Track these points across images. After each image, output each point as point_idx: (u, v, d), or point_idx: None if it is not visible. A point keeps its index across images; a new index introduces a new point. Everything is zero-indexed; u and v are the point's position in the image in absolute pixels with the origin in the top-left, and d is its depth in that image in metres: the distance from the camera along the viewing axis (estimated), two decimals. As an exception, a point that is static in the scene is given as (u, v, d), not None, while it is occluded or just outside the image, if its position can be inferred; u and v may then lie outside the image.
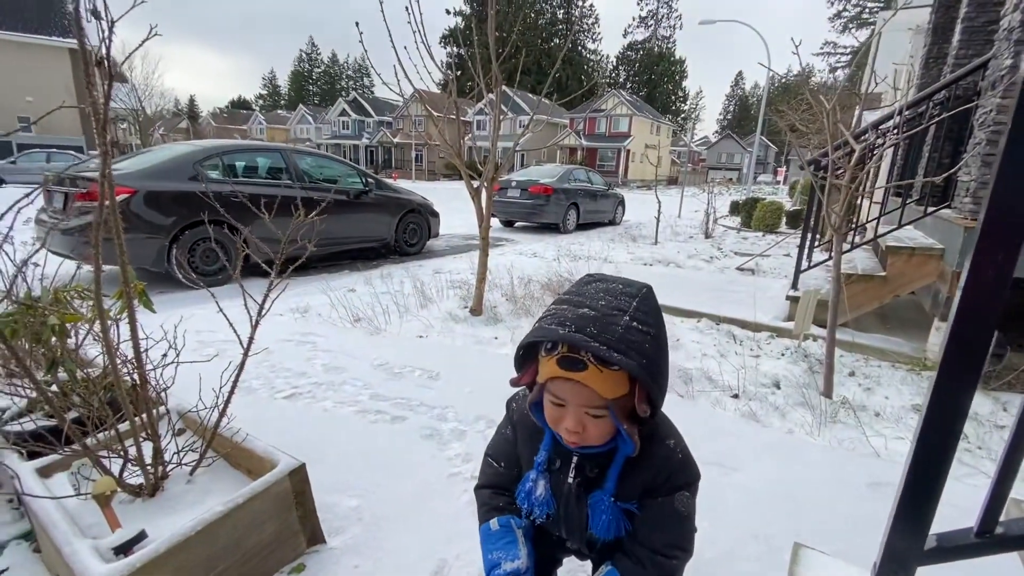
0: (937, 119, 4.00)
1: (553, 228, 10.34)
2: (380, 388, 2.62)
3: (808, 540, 1.61)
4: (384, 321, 3.76)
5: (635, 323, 0.80)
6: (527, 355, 0.89)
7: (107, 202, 1.27)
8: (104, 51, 1.09)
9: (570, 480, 0.94)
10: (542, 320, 0.84)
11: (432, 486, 1.84)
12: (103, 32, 1.10)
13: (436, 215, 7.55)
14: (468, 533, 1.61)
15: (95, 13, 1.04)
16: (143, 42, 1.20)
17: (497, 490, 1.04)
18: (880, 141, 3.24)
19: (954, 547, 0.81)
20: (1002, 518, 0.87)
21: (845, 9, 49.40)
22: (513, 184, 10.19)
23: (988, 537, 0.80)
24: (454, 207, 12.01)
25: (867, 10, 45.08)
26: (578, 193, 10.66)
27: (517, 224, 11.10)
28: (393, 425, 2.26)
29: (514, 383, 0.92)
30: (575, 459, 0.94)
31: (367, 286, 4.79)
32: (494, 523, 0.99)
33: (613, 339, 0.77)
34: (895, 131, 3.14)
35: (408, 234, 7.09)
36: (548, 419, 0.88)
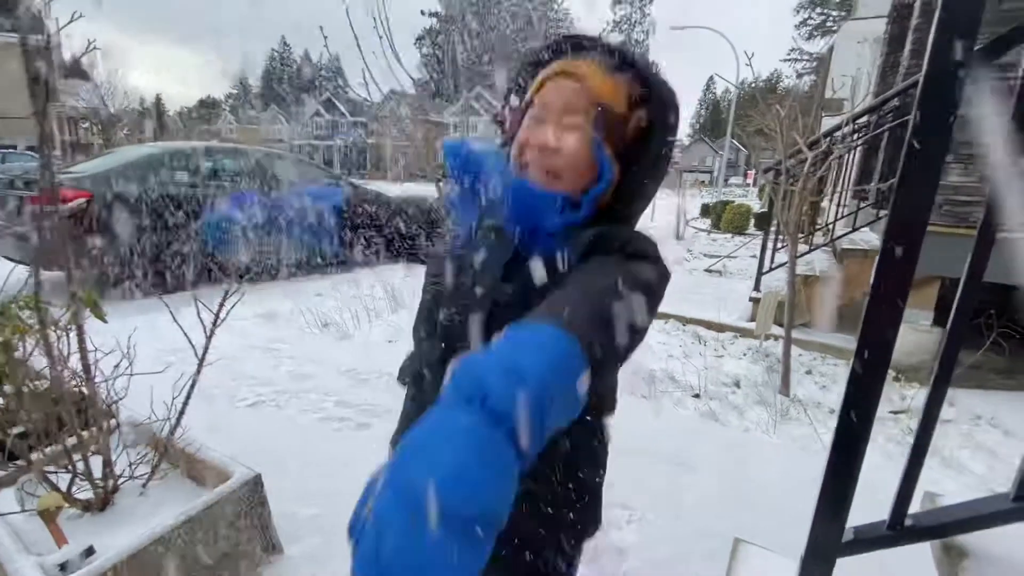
0: (887, 127, 4.18)
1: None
2: (346, 395, 2.61)
3: (758, 535, 1.68)
4: (353, 326, 3.74)
5: None
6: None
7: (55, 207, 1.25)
8: (45, 45, 1.07)
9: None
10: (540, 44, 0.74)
11: (395, 492, 1.85)
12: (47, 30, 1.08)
13: (409, 218, 7.52)
14: (429, 538, 1.63)
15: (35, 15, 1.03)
16: (67, 24, 1.19)
17: None
18: (834, 148, 3.38)
19: (868, 539, 0.87)
20: (917, 511, 0.94)
21: (810, 17, 51.05)
22: (487, 187, 10.21)
23: (899, 529, 0.86)
24: (429, 210, 11.94)
25: (831, 18, 46.67)
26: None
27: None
28: (358, 432, 2.26)
29: (496, 116, 0.78)
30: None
31: (335, 291, 4.74)
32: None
33: (619, 46, 0.69)
34: (844, 140, 3.27)
35: (381, 237, 7.04)
36: (515, 147, 0.70)
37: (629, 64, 0.68)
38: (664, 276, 0.61)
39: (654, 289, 0.58)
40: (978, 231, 0.79)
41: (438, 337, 0.76)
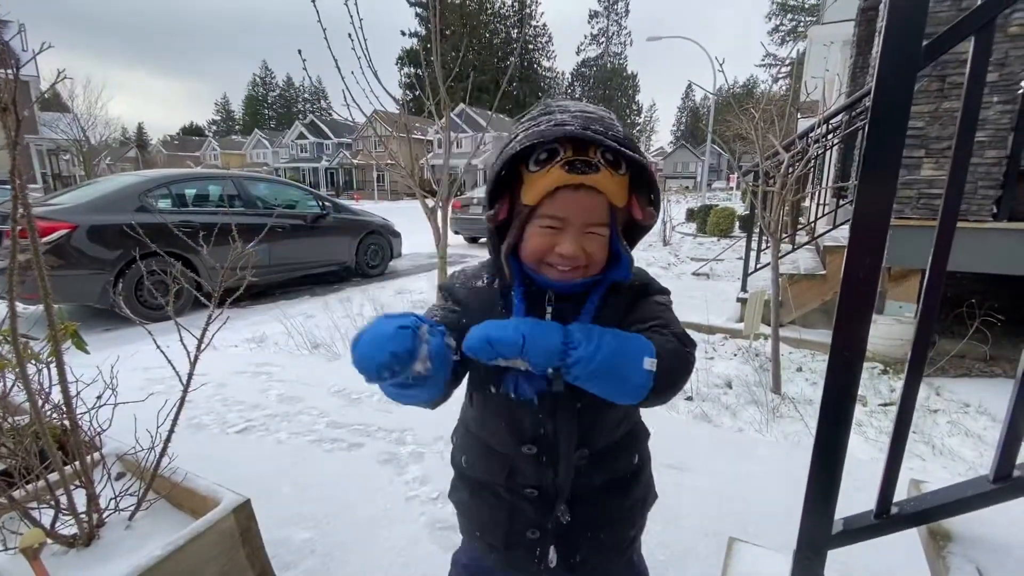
0: (858, 126, 4.28)
1: (516, 243, 10.42)
2: (337, 416, 2.58)
3: (753, 534, 1.68)
4: (343, 347, 3.71)
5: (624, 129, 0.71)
6: (498, 188, 0.73)
7: (27, 241, 1.24)
8: (11, 74, 1.07)
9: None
10: (526, 133, 0.68)
11: (389, 511, 1.83)
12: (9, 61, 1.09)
13: (398, 235, 7.53)
14: (426, 556, 1.61)
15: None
16: (37, 52, 1.19)
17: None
18: (809, 148, 3.45)
19: (857, 529, 0.88)
20: (902, 498, 0.95)
21: (782, 23, 52.38)
22: (475, 201, 10.26)
23: (885, 518, 0.86)
24: (419, 226, 11.97)
25: (801, 24, 47.88)
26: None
27: (481, 240, 11.15)
28: (350, 452, 2.23)
29: (492, 220, 0.74)
30: (551, 298, 0.77)
31: (326, 311, 4.72)
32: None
33: (621, 137, 0.67)
34: (818, 140, 3.34)
35: (369, 256, 7.04)
36: (533, 252, 0.73)
37: (625, 157, 0.68)
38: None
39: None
40: (939, 221, 0.81)
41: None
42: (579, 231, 0.69)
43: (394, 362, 0.60)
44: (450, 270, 3.54)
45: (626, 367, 0.65)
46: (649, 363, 0.65)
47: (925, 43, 0.72)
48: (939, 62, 3.21)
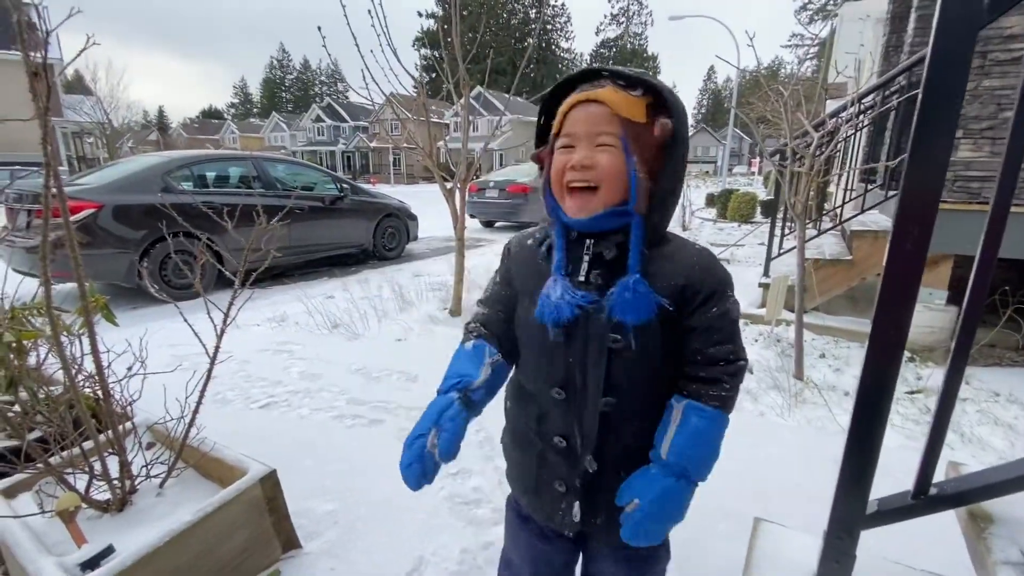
0: (891, 106, 4.12)
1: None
2: (357, 393, 2.61)
3: (775, 515, 1.66)
4: (363, 326, 3.75)
5: None
6: (543, 135, 0.86)
7: (60, 217, 1.26)
8: (41, 60, 1.08)
9: (584, 277, 0.81)
10: (557, 83, 0.83)
11: (410, 486, 1.85)
12: (40, 43, 1.09)
13: (414, 218, 7.54)
14: (445, 528, 1.63)
15: (30, 24, 1.03)
16: (82, 50, 1.19)
17: (485, 328, 0.92)
18: (840, 129, 3.34)
19: (892, 510, 0.85)
20: (940, 479, 0.92)
21: (811, 1, 50.49)
22: (491, 184, 10.20)
23: (923, 499, 0.84)
24: (435, 210, 11.97)
25: (832, 1, 46.12)
26: (556, 191, 10.69)
27: (497, 224, 11.11)
28: (370, 428, 2.26)
29: (535, 158, 0.87)
30: (589, 246, 0.81)
31: (345, 292, 4.76)
32: (468, 344, 0.89)
33: (630, 72, 0.77)
34: (850, 120, 3.23)
35: (386, 238, 7.07)
36: (554, 175, 0.80)
37: (639, 82, 0.76)
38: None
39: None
40: (991, 207, 0.76)
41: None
42: (590, 144, 0.75)
43: (425, 482, 0.78)
44: (467, 254, 3.51)
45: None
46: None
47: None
48: (980, 37, 3.06)
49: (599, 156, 0.75)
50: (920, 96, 0.70)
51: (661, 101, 0.76)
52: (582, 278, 0.80)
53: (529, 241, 0.91)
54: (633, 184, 0.75)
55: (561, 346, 0.81)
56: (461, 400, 0.81)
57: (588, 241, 0.81)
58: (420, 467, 0.77)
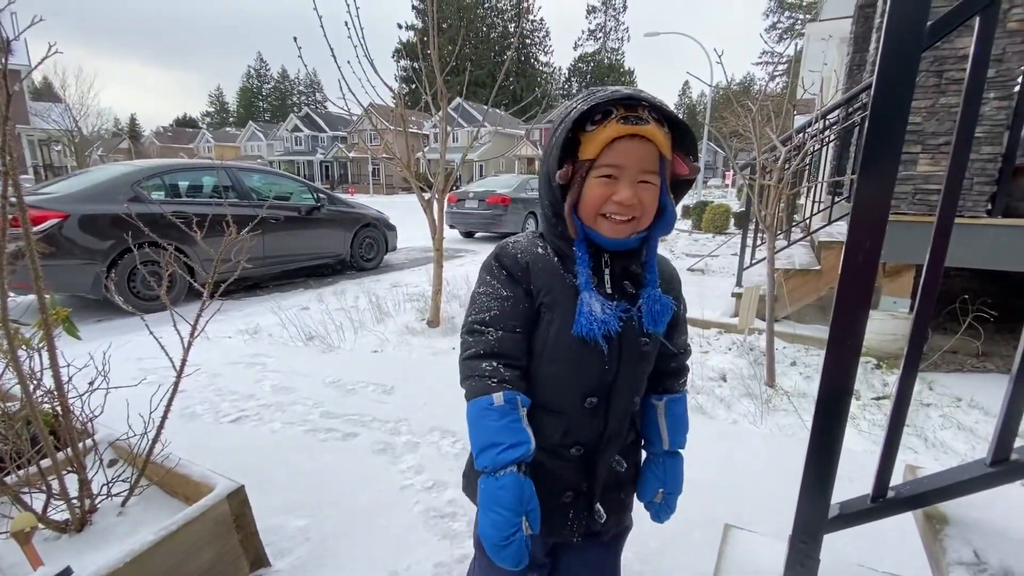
0: (854, 122, 4.29)
1: (512, 237, 10.40)
2: (331, 406, 2.57)
3: (748, 522, 1.68)
4: (338, 338, 3.70)
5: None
6: (564, 152, 0.80)
7: (20, 227, 1.22)
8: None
9: (610, 290, 0.85)
10: (584, 100, 0.77)
11: (383, 500, 1.82)
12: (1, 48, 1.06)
13: (393, 228, 7.50)
14: (419, 542, 1.61)
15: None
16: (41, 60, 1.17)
17: (505, 360, 0.83)
18: (806, 144, 3.46)
19: (853, 513, 0.88)
20: (898, 483, 0.95)
21: (779, 21, 52.41)
22: (471, 195, 10.23)
23: (881, 501, 0.87)
24: (414, 220, 11.93)
25: (799, 21, 47.93)
26: (536, 202, 10.78)
27: (477, 234, 11.12)
28: (344, 442, 2.22)
29: (562, 177, 0.80)
30: (606, 260, 0.85)
31: (320, 303, 4.70)
32: (498, 397, 0.78)
33: (659, 101, 0.78)
34: (815, 135, 3.35)
35: (364, 249, 7.01)
36: (591, 202, 0.79)
37: (670, 118, 0.79)
38: None
39: None
40: (936, 218, 0.80)
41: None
42: (634, 179, 0.77)
43: (527, 561, 0.80)
44: (446, 264, 3.52)
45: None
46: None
47: (929, 23, 0.71)
48: (937, 58, 3.21)
49: (643, 194, 0.78)
50: (868, 115, 0.73)
51: (678, 134, 0.80)
52: (609, 290, 0.85)
53: (537, 250, 0.87)
54: (671, 217, 0.84)
55: (597, 355, 0.83)
56: (525, 472, 0.78)
57: (605, 256, 0.85)
58: (523, 552, 0.78)
